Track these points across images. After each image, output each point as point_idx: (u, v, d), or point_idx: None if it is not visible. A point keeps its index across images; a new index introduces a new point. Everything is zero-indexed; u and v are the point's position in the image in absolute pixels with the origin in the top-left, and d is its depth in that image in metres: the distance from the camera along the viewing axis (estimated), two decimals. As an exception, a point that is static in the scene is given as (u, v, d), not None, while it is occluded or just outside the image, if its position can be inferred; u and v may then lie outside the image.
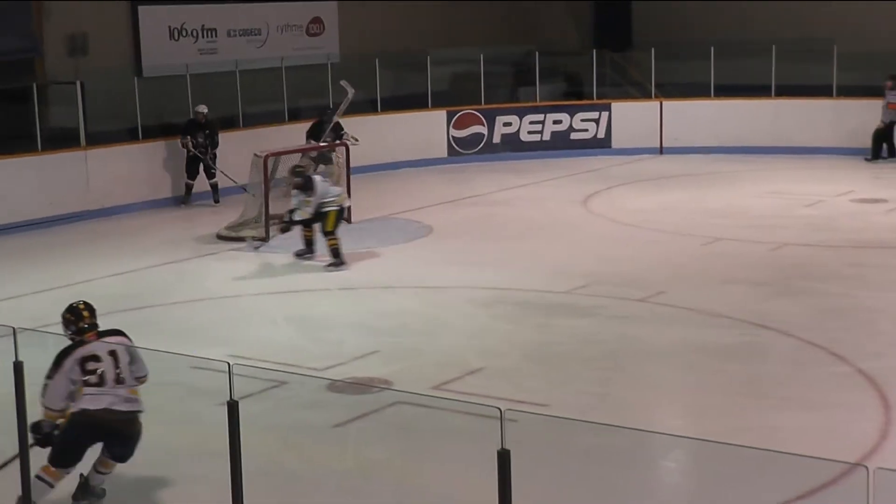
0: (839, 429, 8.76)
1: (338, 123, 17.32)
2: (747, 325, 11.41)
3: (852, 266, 13.70)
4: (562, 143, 22.97)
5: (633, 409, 9.34)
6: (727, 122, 22.79)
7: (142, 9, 20.49)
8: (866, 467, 5.01)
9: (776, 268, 13.73)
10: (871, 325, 11.42)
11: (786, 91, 22.55)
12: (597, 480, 7.98)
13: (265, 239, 15.75)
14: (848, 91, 22.35)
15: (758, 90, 22.88)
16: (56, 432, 7.37)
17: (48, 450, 7.38)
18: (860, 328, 11.32)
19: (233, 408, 6.14)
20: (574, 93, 24.92)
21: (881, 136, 21.19)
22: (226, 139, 19.33)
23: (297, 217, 14.38)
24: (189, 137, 18.35)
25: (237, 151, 18.22)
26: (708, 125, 22.87)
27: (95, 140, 18.29)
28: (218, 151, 18.58)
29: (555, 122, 23.03)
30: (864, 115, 21.91)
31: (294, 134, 19.26)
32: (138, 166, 18.48)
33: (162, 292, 13.31)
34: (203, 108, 18.45)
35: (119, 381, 7.52)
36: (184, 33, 21.13)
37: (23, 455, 7.00)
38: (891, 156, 21.15)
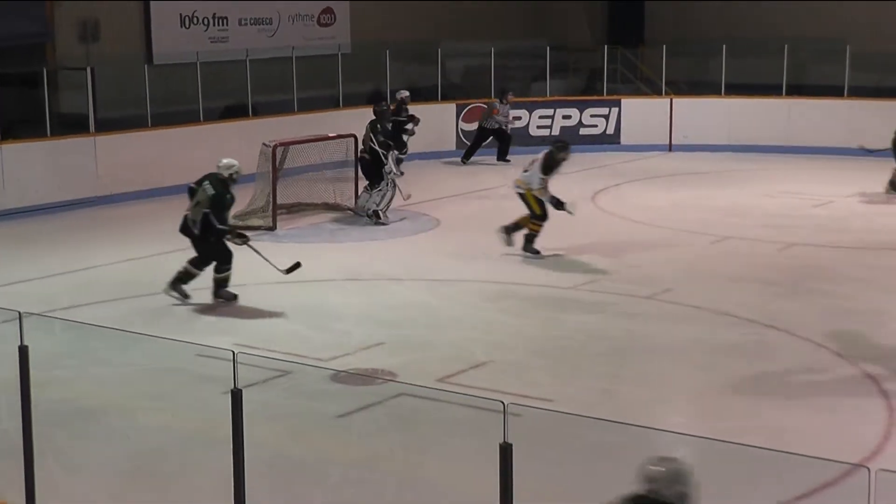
0: (843, 430, 8.75)
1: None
2: (754, 325, 11.39)
3: (860, 267, 13.67)
4: (571, 139, 22.85)
5: (638, 405, 9.32)
6: (737, 121, 22.75)
7: (154, -4, 20.52)
8: (868, 469, 5.00)
9: (785, 268, 13.70)
10: (878, 328, 11.38)
11: (797, 91, 22.51)
12: (599, 477, 7.96)
13: (273, 228, 15.76)
14: (860, 91, 22.31)
15: (769, 89, 22.86)
16: None
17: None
18: (867, 330, 11.28)
19: (236, 396, 6.14)
20: (584, 88, 24.92)
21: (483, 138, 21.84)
22: (235, 129, 19.36)
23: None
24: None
25: (246, 141, 18.21)
26: (718, 123, 22.85)
27: (105, 126, 18.31)
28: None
29: (564, 118, 23.01)
30: (875, 116, 21.86)
31: (303, 124, 19.27)
32: (147, 153, 18.48)
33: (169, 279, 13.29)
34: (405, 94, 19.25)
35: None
36: (195, 21, 21.15)
37: (27, 440, 7.00)
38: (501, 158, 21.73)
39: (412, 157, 21.12)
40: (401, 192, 16.19)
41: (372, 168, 16.05)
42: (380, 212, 15.80)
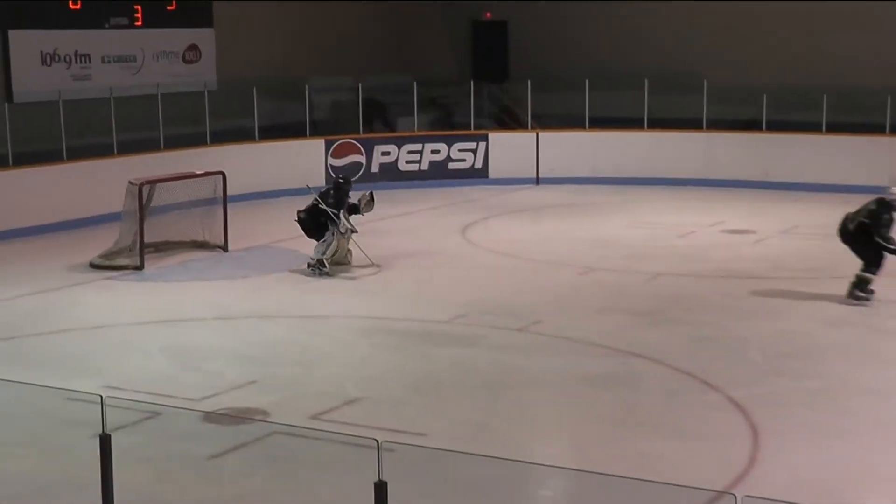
0: (710, 456, 8.95)
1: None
2: (622, 354, 11.60)
3: (722, 296, 14.03)
4: (439, 173, 23.12)
5: (511, 438, 9.42)
6: (602, 154, 23.20)
7: (12, 33, 20.09)
8: (734, 495, 5.15)
9: (650, 297, 13.99)
10: (740, 354, 11.70)
11: (658, 123, 23.05)
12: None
13: (140, 267, 15.54)
14: (717, 124, 22.96)
15: (631, 122, 23.37)
16: None
17: None
18: (730, 357, 11.59)
19: (105, 441, 6.06)
20: (452, 123, 25.15)
21: None
22: (100, 167, 19.07)
23: None
24: None
25: (112, 179, 17.93)
26: (583, 156, 23.26)
27: (-37, 166, 17.85)
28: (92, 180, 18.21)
29: (433, 152, 23.19)
30: (733, 148, 22.55)
31: (170, 161, 19.06)
32: (9, 193, 18.05)
33: (34, 322, 13.01)
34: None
35: None
36: (56, 59, 20.78)
37: None
38: None
39: (282, 193, 21.03)
40: (367, 257, 15.78)
41: (310, 224, 15.72)
42: (324, 260, 15.37)
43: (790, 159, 22.13)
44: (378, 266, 15.60)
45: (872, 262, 13.33)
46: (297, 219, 15.88)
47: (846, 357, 11.63)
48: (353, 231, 15.66)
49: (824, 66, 23.52)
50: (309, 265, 15.42)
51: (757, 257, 16.21)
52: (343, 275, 15.28)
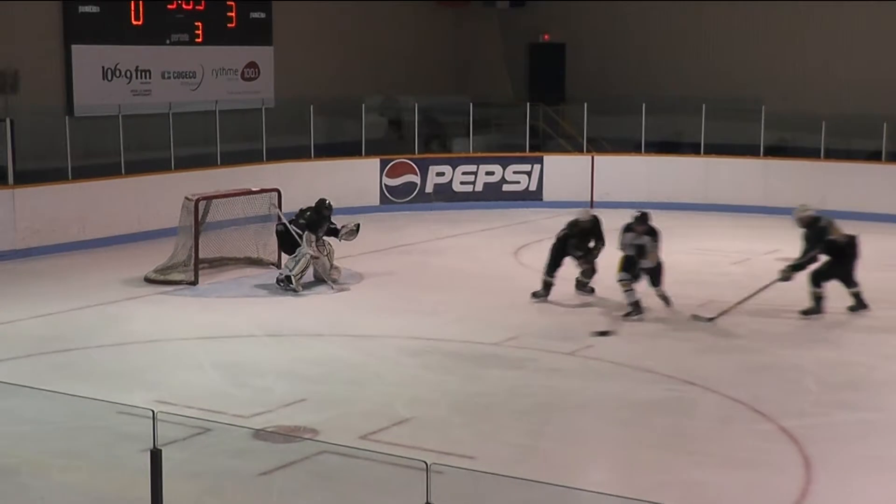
0: (761, 486, 8.86)
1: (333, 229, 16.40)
2: (674, 381, 11.52)
3: (776, 323, 13.89)
4: (494, 195, 23.12)
5: (560, 462, 9.38)
6: (657, 178, 23.09)
7: (75, 48, 20.39)
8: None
9: (703, 324, 13.87)
10: (793, 383, 11.58)
11: (715, 149, 22.92)
12: (521, 534, 7.98)
13: (194, 282, 15.65)
14: (774, 151, 22.79)
15: (688, 147, 23.24)
16: None
17: None
18: (783, 386, 11.46)
19: (156, 456, 6.10)
20: (507, 144, 25.16)
21: None
22: (157, 182, 19.25)
23: None
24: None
25: (168, 195, 18.11)
26: (638, 180, 23.17)
27: (24, 179, 18.09)
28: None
29: (487, 174, 23.20)
30: (789, 175, 22.35)
31: (226, 178, 19.21)
32: (67, 206, 18.29)
33: (87, 335, 13.14)
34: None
35: None
36: (117, 74, 21.05)
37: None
38: None
39: (337, 212, 21.10)
40: (329, 280, 15.81)
41: (286, 239, 15.96)
42: (292, 277, 15.47)
43: (849, 187, 21.90)
44: (336, 290, 15.52)
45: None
46: (276, 230, 16.07)
47: (903, 389, 11.48)
48: (315, 257, 15.67)
49: (884, 95, 23.30)
50: (278, 280, 15.56)
51: (813, 286, 16.01)
52: (394, 295, 15.31)
